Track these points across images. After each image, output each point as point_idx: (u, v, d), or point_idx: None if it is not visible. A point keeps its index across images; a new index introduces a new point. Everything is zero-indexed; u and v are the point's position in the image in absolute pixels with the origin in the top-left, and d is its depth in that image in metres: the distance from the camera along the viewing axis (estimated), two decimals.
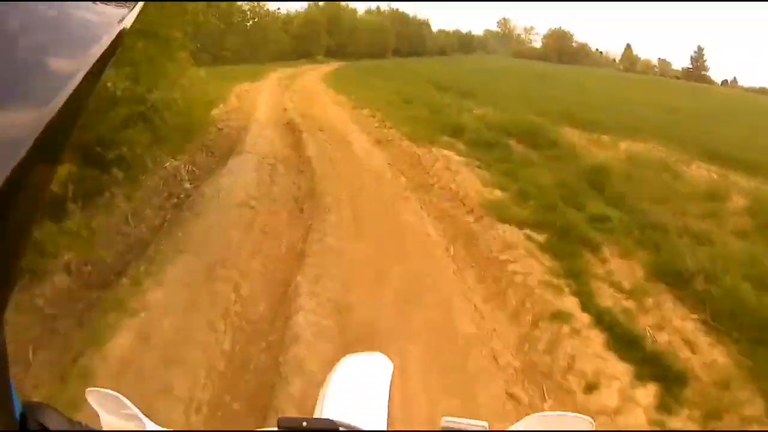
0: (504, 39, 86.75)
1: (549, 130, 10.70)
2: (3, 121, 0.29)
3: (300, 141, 10.32)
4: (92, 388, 0.77)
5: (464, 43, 72.79)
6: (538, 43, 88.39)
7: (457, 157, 8.58)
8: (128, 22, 0.44)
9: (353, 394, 1.07)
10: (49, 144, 0.32)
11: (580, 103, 17.89)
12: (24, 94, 0.31)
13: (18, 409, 0.47)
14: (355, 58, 41.67)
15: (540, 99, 17.67)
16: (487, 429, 0.87)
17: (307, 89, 20.14)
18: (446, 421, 0.86)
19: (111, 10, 0.44)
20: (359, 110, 14.19)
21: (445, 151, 8.95)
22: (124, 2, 0.46)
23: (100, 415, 0.75)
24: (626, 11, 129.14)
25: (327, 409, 1.02)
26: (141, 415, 0.76)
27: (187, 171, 7.49)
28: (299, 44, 40.83)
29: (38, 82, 0.32)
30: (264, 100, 16.20)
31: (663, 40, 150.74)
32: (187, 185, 6.96)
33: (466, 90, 19.25)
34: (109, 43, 0.39)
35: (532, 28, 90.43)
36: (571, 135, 11.19)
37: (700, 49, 73.95)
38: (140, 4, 0.49)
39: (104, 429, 0.74)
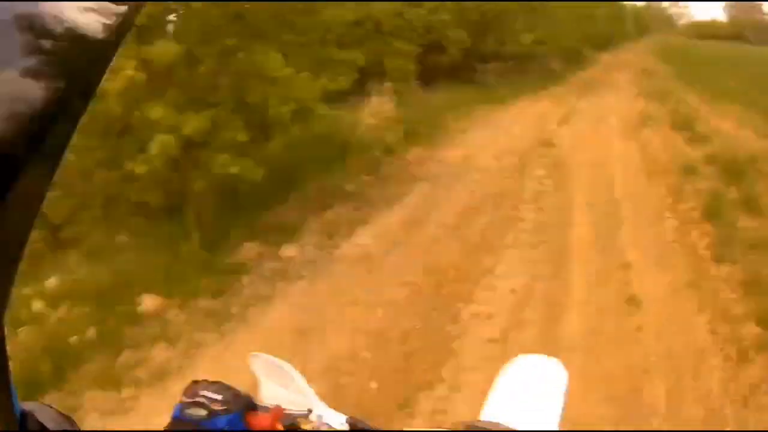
0: (657, 14, 69.51)
1: None
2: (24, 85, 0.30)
3: None
4: (257, 353, 0.74)
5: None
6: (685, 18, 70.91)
7: None
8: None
9: (524, 397, 0.95)
10: (70, 108, 0.32)
11: None
12: (46, 56, 0.31)
13: (18, 409, 0.44)
14: None
15: None
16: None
17: None
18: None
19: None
20: None
21: None
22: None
23: (262, 383, 0.71)
24: None
25: (494, 411, 0.93)
26: (309, 391, 0.70)
27: None
28: None
29: (62, 47, 0.33)
30: None
31: None
32: None
33: None
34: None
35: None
36: None
37: None
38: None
39: (265, 399, 0.69)
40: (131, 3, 0.39)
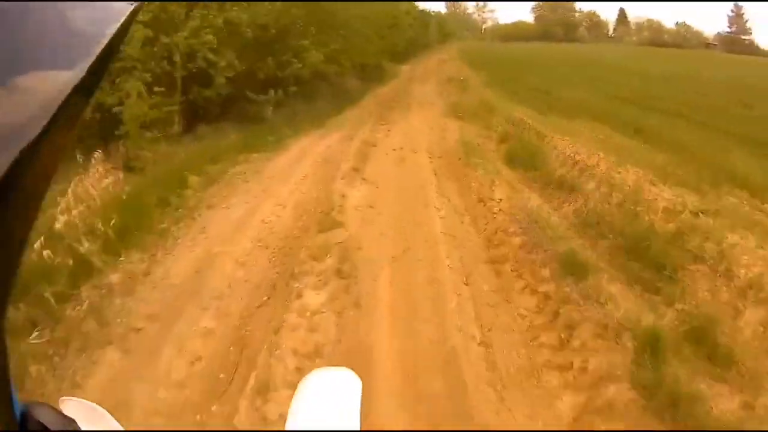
0: (461, 19, 73.90)
1: None
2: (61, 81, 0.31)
3: None
4: (67, 398, 0.69)
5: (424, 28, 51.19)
6: (490, 22, 79.61)
7: None
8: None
9: (324, 412, 0.96)
10: (70, 108, 0.32)
11: None
12: (47, 56, 0.32)
13: (18, 409, 0.43)
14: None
15: None
16: None
17: None
18: None
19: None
20: None
21: None
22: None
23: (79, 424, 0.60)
24: None
25: (297, 427, 0.92)
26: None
27: None
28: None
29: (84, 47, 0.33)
30: None
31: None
32: None
33: None
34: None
35: (484, 5, 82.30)
36: None
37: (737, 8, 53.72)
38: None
39: None
40: (131, 3, 0.38)
